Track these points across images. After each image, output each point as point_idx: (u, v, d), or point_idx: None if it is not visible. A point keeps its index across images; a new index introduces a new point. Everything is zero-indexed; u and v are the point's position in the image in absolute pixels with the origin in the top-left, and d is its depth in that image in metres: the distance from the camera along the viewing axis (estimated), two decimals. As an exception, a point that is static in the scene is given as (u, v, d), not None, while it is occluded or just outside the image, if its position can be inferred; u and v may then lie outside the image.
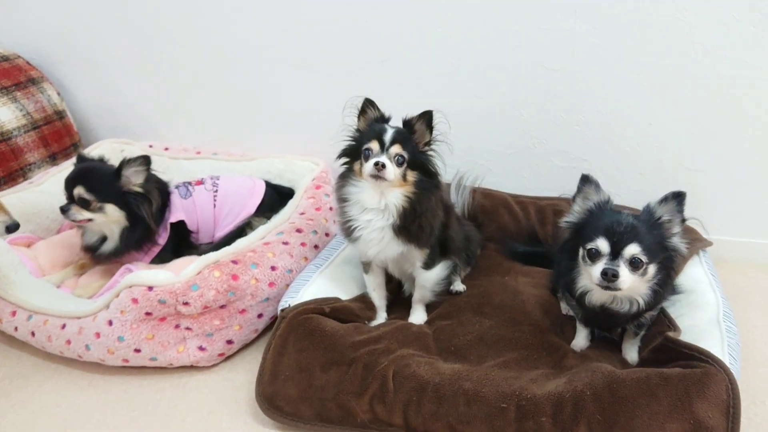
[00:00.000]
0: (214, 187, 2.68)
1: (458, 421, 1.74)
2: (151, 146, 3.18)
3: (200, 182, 2.69)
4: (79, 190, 2.34)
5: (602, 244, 1.70)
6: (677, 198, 1.71)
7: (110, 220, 2.38)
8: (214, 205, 2.65)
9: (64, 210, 2.38)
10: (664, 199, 1.72)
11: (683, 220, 1.76)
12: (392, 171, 1.92)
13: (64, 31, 3.23)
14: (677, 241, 1.76)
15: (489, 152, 2.82)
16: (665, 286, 1.81)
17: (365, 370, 1.85)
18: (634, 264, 1.69)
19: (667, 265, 1.78)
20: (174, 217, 2.53)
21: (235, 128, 3.19)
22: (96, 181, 2.35)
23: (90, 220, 2.37)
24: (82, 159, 2.51)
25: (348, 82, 2.85)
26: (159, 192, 2.47)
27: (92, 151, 3.03)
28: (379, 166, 1.89)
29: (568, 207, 2.69)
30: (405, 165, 1.96)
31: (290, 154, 3.02)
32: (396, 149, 1.93)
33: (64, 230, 2.80)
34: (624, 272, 1.68)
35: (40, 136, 3.12)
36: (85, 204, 2.34)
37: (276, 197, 2.76)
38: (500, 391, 1.75)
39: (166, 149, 3.17)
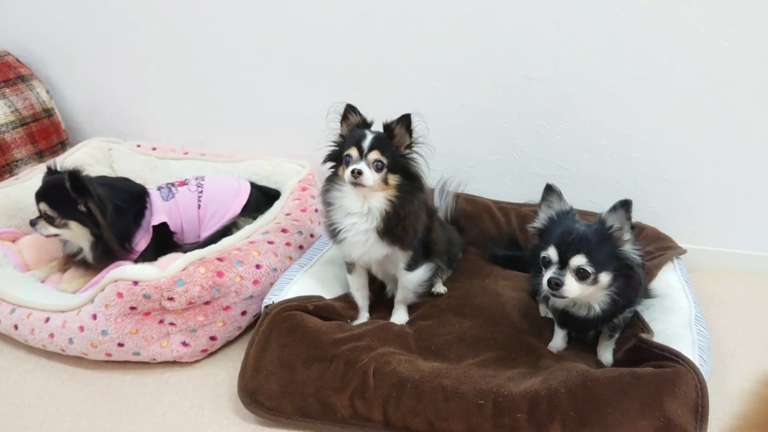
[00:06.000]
0: (198, 188, 2.69)
1: (436, 417, 1.78)
2: (138, 146, 3.20)
3: (183, 183, 2.70)
4: (43, 207, 2.36)
5: (552, 253, 1.77)
6: (624, 206, 1.75)
7: (77, 235, 2.40)
8: (199, 206, 2.67)
9: (32, 224, 2.40)
10: (613, 208, 1.76)
11: (632, 227, 1.79)
12: (370, 177, 1.95)
13: (54, 30, 3.24)
14: (629, 249, 1.79)
15: (472, 159, 2.88)
16: (624, 294, 1.85)
17: (346, 367, 1.88)
18: (581, 274, 1.75)
19: (626, 274, 1.82)
20: (156, 219, 2.54)
21: (224, 130, 3.22)
22: (58, 198, 2.35)
23: (57, 235, 2.40)
24: (51, 172, 2.45)
25: (335, 88, 2.90)
26: (119, 204, 2.42)
27: (79, 150, 3.05)
28: (356, 173, 1.93)
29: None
30: (385, 170, 1.99)
31: (278, 156, 3.05)
32: (374, 155, 1.97)
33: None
34: (569, 281, 1.74)
35: (28, 132, 3.12)
36: (50, 220, 2.37)
37: (262, 198, 2.78)
38: (478, 389, 1.79)
39: (154, 149, 3.19)
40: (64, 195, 2.33)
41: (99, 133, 3.32)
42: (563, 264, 1.75)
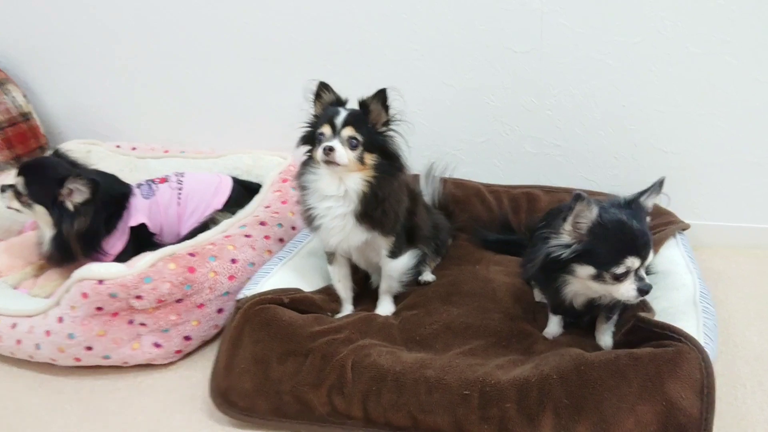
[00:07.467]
0: (178, 185, 2.59)
1: (419, 411, 1.66)
2: (118, 146, 3.12)
3: (164, 180, 2.60)
4: (19, 181, 2.30)
5: (634, 263, 1.63)
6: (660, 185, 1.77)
7: (40, 220, 2.34)
8: (178, 203, 2.57)
9: (2, 189, 2.37)
10: (648, 189, 1.75)
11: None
12: (343, 154, 1.84)
13: (29, 33, 3.18)
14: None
15: (459, 141, 2.75)
16: None
17: (323, 361, 1.77)
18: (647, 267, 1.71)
19: None
20: (134, 220, 2.44)
21: (203, 125, 3.13)
22: (37, 180, 2.29)
23: (18, 210, 2.36)
24: (57, 154, 2.47)
25: (313, 74, 2.71)
26: (100, 211, 2.33)
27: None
28: (327, 150, 1.82)
29: (541, 194, 2.65)
30: (361, 148, 1.88)
31: (258, 149, 2.96)
32: (348, 132, 1.86)
33: (26, 231, 2.73)
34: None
35: (4, 137, 3.06)
36: (18, 195, 2.32)
37: (244, 193, 2.68)
38: (463, 378, 1.67)
39: (134, 149, 3.11)
40: (44, 179, 2.28)
41: (78, 135, 3.25)
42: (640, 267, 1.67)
